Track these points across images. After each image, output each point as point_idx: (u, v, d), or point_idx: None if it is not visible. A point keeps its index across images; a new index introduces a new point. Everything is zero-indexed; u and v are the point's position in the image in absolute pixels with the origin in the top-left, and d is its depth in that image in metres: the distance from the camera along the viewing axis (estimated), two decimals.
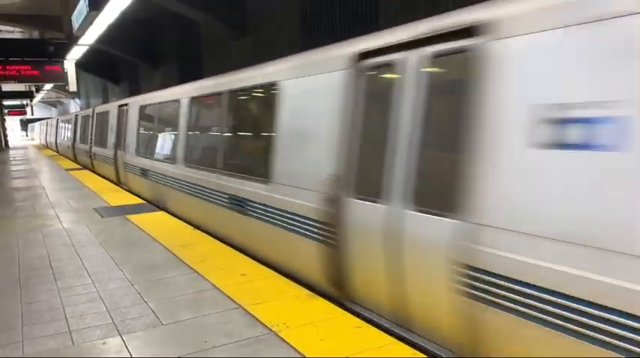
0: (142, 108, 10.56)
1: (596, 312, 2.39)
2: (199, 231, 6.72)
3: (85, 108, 26.59)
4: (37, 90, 33.24)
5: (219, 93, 6.87)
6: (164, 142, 9.19)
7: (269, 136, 5.40)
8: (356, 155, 4.12)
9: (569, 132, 2.56)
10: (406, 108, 3.65)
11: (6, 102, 42.26)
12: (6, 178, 14.54)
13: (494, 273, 2.87)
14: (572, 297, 2.50)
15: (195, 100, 7.75)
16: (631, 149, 2.30)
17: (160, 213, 8.12)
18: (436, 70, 3.47)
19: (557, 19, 2.65)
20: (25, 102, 47.50)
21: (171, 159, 8.54)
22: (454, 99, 3.28)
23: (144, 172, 10.00)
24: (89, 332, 3.66)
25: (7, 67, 17.60)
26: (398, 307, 3.74)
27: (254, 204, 5.57)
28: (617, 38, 2.38)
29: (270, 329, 3.56)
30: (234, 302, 4.12)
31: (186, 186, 7.70)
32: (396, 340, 3.35)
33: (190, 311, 3.95)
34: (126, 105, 12.04)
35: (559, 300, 2.55)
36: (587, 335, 2.45)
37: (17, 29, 23.10)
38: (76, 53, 16.65)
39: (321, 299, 4.13)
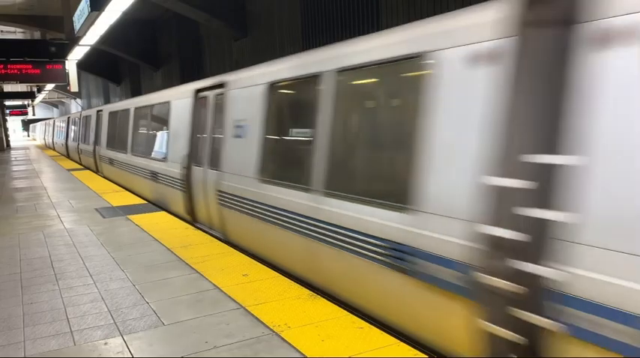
0: (110, 113, 13.84)
1: (252, 203, 5.64)
2: (200, 232, 6.73)
3: (87, 108, 27.45)
4: (39, 91, 33.24)
5: (148, 106, 10.35)
6: (121, 139, 12.43)
7: (167, 134, 8.99)
8: (194, 143, 7.74)
9: (238, 131, 6.15)
10: (208, 119, 7.25)
11: (8, 103, 42.32)
12: (7, 178, 14.56)
13: (225, 192, 6.39)
14: (242, 197, 5.87)
15: (137, 110, 11.11)
16: (252, 137, 5.75)
17: (162, 214, 8.13)
18: (217, 101, 7.00)
19: (240, 84, 6.29)
20: (26, 102, 47.55)
21: (124, 150, 11.94)
22: (221, 115, 6.77)
23: (111, 161, 13.38)
24: (90, 332, 3.66)
25: (9, 67, 17.60)
26: (208, 218, 7.18)
27: (159, 175, 9.17)
28: (244, 95, 6.06)
29: (272, 330, 3.56)
30: (236, 302, 4.12)
31: (132, 168, 11.16)
32: (398, 340, 3.34)
33: (191, 312, 3.95)
34: (101, 110, 15.31)
35: (237, 199, 6.00)
36: (233, 206, 6.17)
37: (19, 30, 23.11)
38: (77, 53, 16.64)
39: (323, 299, 4.13)
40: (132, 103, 11.72)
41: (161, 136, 9.39)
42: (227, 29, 13.34)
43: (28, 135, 72.65)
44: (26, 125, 74.65)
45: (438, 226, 3.21)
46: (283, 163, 5.51)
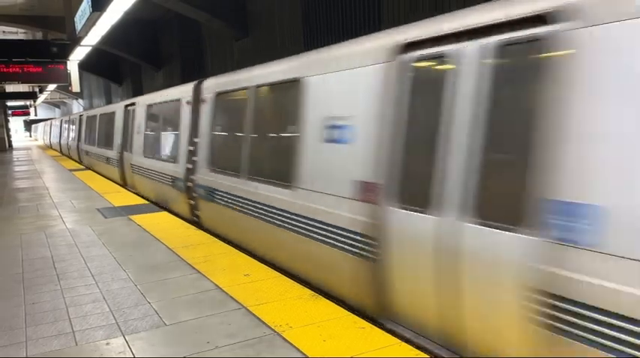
0: (87, 117, 18.98)
1: (141, 168, 10.92)
2: (202, 231, 6.74)
3: (88, 108, 28.14)
4: (41, 91, 33.26)
5: (106, 113, 15.24)
6: (92, 136, 17.33)
7: (113, 132, 13.68)
8: (124, 137, 12.43)
9: (137, 129, 11.35)
10: (129, 123, 12.11)
11: (10, 103, 42.35)
12: (9, 179, 14.59)
13: (134, 164, 11.41)
14: (138, 166, 11.14)
15: (100, 116, 16.12)
16: (140, 134, 11.03)
17: (163, 214, 8.14)
18: (132, 113, 11.81)
19: (139, 104, 11.42)
20: (28, 103, 47.59)
21: (94, 144, 16.83)
22: (133, 121, 11.65)
23: (87, 152, 18.34)
24: (92, 332, 3.66)
25: (11, 67, 17.61)
26: (130, 182, 12.09)
27: (109, 158, 14.06)
28: (140, 110, 11.30)
29: (274, 330, 3.56)
30: (237, 302, 4.12)
31: (97, 156, 16.14)
32: (399, 341, 3.34)
33: (193, 312, 3.95)
34: (82, 115, 20.42)
35: (137, 167, 11.10)
36: (136, 172, 11.41)
37: (20, 30, 23.12)
38: (79, 54, 16.64)
39: (325, 299, 4.13)
40: (98, 111, 16.90)
41: (110, 134, 14.22)
42: (228, 29, 13.34)
43: (30, 136, 72.77)
44: (28, 125, 74.74)
45: (180, 167, 8.23)
46: (151, 147, 10.31)
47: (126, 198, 10.03)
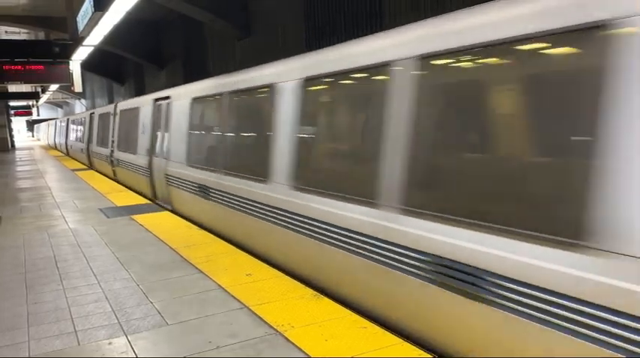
0: (70, 120, 25.00)
1: (99, 154, 16.49)
2: (204, 231, 6.74)
3: (91, 108, 28.74)
4: (43, 91, 33.33)
5: (81, 117, 21.10)
6: (74, 134, 22.89)
7: (83, 131, 20.18)
8: (90, 135, 18.50)
9: (93, 131, 17.97)
10: (91, 125, 18.29)
11: (12, 103, 42.44)
12: (12, 179, 14.62)
13: (94, 151, 17.41)
14: (95, 152, 17.08)
15: (78, 120, 21.83)
16: (94, 132, 17.77)
17: (165, 214, 8.15)
18: (94, 118, 17.78)
19: (95, 113, 18.18)
20: (31, 103, 47.68)
21: (77, 141, 21.62)
22: (95, 124, 17.53)
23: (72, 147, 23.66)
24: (95, 332, 3.67)
25: (13, 67, 17.62)
26: (95, 164, 17.31)
27: (82, 149, 19.96)
28: (96, 117, 17.55)
29: (275, 330, 3.56)
30: (239, 302, 4.12)
31: (77, 148, 21.23)
32: (401, 340, 3.34)
33: (195, 312, 3.95)
34: (69, 118, 25.94)
35: (95, 153, 17.12)
36: (95, 157, 17.45)
37: (23, 30, 23.16)
38: (81, 54, 16.67)
39: (327, 299, 4.12)
40: (77, 115, 22.76)
41: (84, 132, 19.44)
42: (230, 29, 13.35)
43: (33, 136, 72.90)
44: (31, 125, 74.90)
45: (109, 151, 14.43)
46: (100, 140, 15.57)
47: (128, 198, 10.05)
